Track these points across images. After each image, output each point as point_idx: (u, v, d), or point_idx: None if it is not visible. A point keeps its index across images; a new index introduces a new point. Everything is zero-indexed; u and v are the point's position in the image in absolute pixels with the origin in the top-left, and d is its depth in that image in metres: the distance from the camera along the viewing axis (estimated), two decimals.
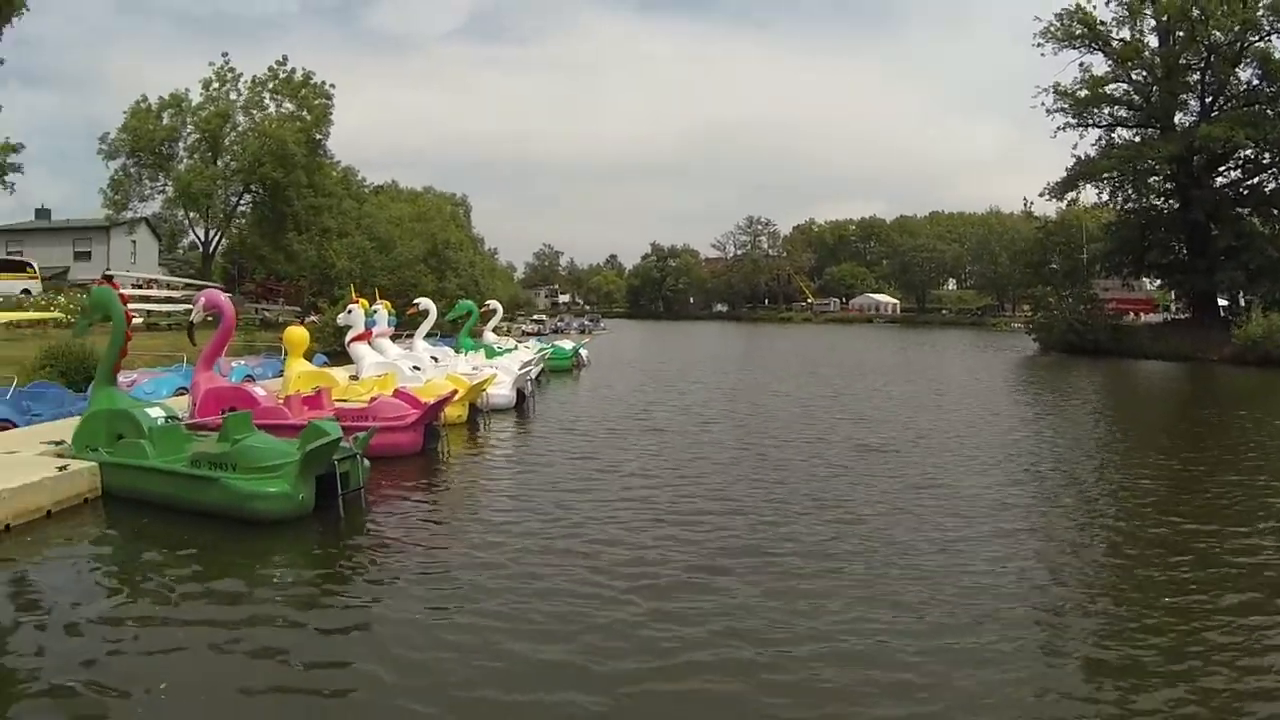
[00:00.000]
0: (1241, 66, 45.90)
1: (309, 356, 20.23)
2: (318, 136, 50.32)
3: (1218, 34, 44.45)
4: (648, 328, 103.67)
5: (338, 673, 6.05)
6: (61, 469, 10.10)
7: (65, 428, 11.94)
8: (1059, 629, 6.83)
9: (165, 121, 47.37)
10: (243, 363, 22.85)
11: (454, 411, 16.31)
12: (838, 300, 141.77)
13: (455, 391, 15.89)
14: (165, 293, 40.42)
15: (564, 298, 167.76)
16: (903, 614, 6.99)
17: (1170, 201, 50.70)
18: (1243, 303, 47.14)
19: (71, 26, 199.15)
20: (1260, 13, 43.52)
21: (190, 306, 15.54)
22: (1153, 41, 48.94)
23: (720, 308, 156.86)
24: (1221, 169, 48.74)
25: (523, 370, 21.51)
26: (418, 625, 6.83)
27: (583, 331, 70.73)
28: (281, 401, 14.42)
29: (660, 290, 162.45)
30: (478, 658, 6.14)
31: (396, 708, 5.49)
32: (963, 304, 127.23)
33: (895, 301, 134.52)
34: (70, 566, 8.36)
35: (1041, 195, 54.73)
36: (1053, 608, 7.29)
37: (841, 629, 6.67)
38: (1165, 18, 45.84)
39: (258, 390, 14.91)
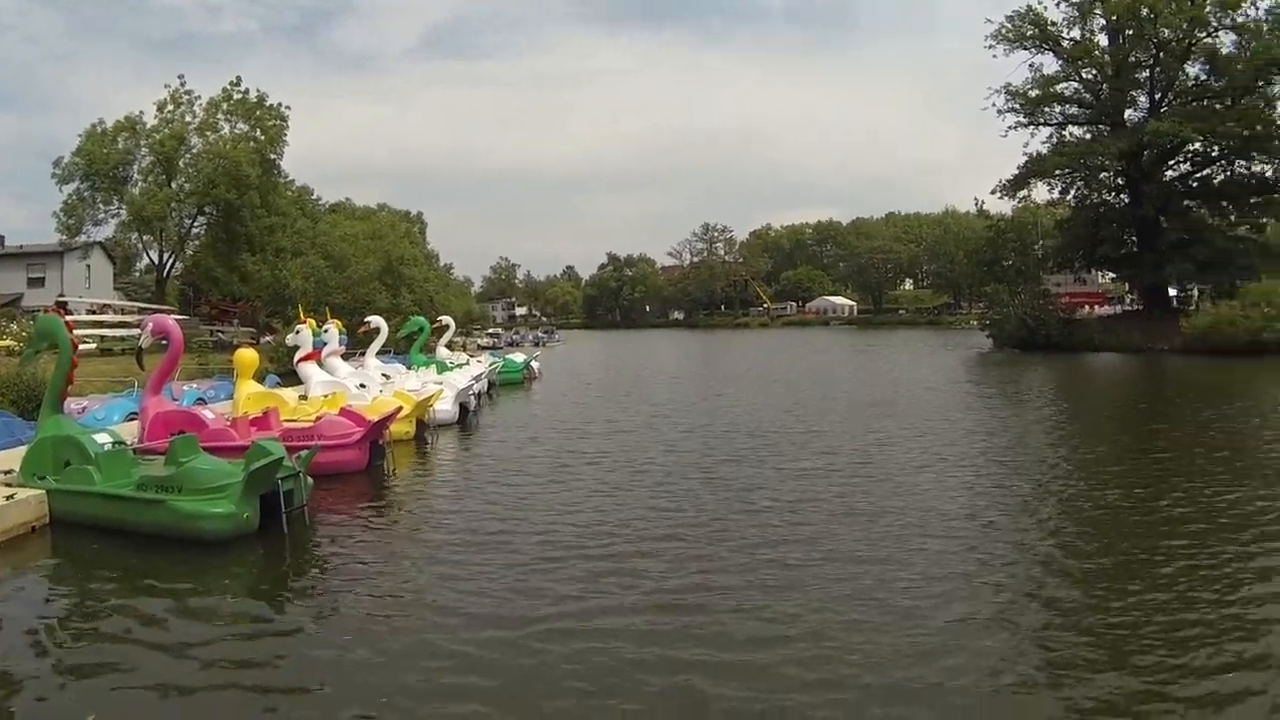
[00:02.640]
0: (1190, 62, 47.12)
1: (260, 378, 20.54)
2: (272, 156, 50.28)
3: (1166, 31, 45.65)
4: (604, 338, 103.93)
5: (280, 688, 6.23)
6: (9, 498, 10.24)
7: (15, 456, 12.00)
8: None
9: (120, 145, 46.96)
10: (195, 386, 23.02)
11: (400, 428, 16.64)
12: (794, 304, 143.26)
13: (400, 409, 16.25)
14: (119, 318, 40.20)
15: (521, 310, 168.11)
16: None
17: (1121, 196, 51.89)
18: (1194, 293, 48.38)
19: (29, 47, 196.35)
20: (1208, 9, 44.62)
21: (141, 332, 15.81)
22: (1103, 40, 50.35)
23: (676, 315, 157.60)
24: (1171, 163, 49.77)
25: (467, 385, 21.93)
26: (356, 638, 7.00)
27: (537, 344, 70.94)
28: (230, 423, 14.78)
29: (617, 300, 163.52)
30: (419, 670, 6.33)
31: None
32: (920, 303, 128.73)
33: (852, 303, 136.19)
34: (16, 594, 8.54)
35: (993, 193, 56.11)
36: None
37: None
38: (1115, 17, 47.22)
39: (206, 413, 15.24)
